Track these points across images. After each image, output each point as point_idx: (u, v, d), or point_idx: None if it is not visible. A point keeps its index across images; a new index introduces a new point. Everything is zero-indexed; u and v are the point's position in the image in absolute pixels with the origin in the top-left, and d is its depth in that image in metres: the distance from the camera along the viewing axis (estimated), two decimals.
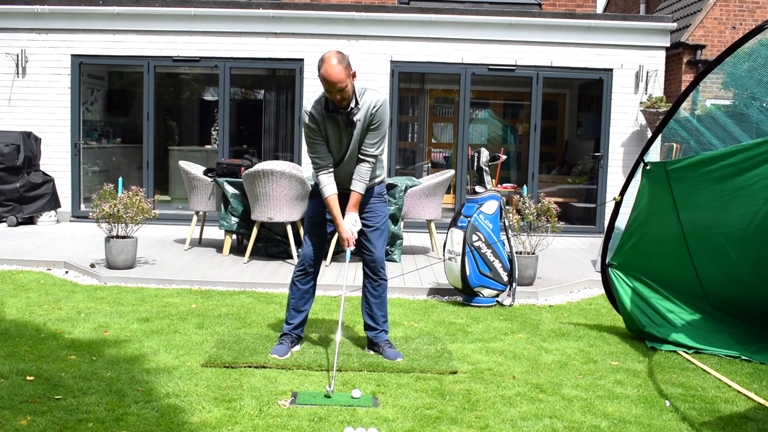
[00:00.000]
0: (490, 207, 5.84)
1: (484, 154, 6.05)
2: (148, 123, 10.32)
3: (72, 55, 10.19)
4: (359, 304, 4.62)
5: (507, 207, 6.34)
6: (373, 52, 10.25)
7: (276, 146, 11.41)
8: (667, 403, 3.80)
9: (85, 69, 10.49)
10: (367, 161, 4.21)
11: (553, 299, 6.31)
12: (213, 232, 9.00)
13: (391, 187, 7.39)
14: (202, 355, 4.28)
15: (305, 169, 8.66)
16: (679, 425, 3.51)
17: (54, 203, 9.91)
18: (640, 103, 10.25)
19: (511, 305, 5.95)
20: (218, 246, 8.10)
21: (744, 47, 4.25)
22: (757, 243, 4.72)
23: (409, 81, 11.80)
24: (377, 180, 4.41)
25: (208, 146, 12.84)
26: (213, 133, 13.38)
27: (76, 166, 10.33)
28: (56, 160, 10.22)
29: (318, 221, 4.37)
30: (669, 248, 5.03)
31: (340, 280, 6.48)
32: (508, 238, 6.03)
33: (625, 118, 10.44)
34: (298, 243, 7.19)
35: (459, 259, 5.82)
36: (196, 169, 8.01)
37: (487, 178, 6.02)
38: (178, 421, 3.32)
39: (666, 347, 4.78)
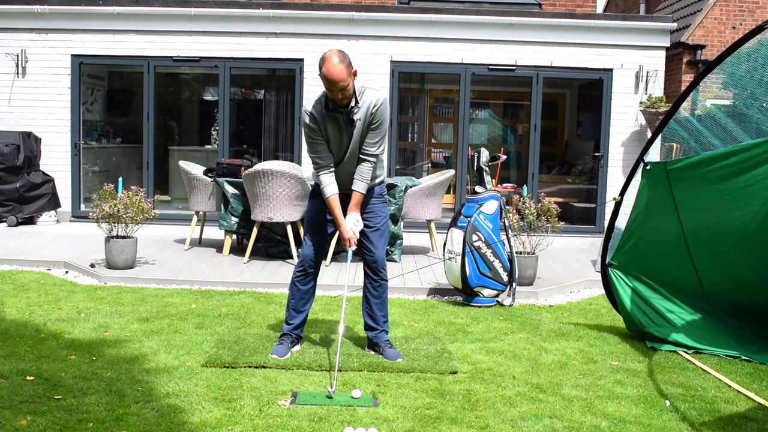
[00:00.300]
0: (490, 207, 5.84)
1: (484, 154, 6.05)
2: (148, 123, 10.32)
3: (72, 55, 10.19)
4: (359, 304, 4.62)
5: (507, 207, 6.34)
6: (373, 52, 10.25)
7: (276, 146, 11.41)
8: (667, 403, 3.80)
9: (85, 69, 10.49)
10: (369, 161, 4.20)
11: (553, 299, 6.31)
12: (213, 232, 9.00)
13: (391, 187, 7.39)
14: (202, 355, 4.28)
15: (305, 169, 8.66)
16: (679, 425, 3.51)
17: (54, 203, 9.91)
18: (640, 103, 10.25)
19: (511, 305, 5.95)
20: (218, 246, 8.10)
21: (744, 47, 4.25)
22: (757, 243, 4.72)
23: (409, 81, 11.80)
24: (377, 180, 4.40)
25: (208, 146, 12.85)
26: (213, 133, 13.38)
27: (76, 166, 10.33)
28: (56, 160, 10.22)
29: (318, 221, 4.37)
30: (669, 248, 5.02)
31: (340, 280, 6.48)
32: (508, 238, 6.03)
33: (625, 118, 10.44)
34: (298, 243, 7.19)
35: (459, 259, 5.82)
36: (196, 169, 8.01)
37: (487, 178, 6.02)
38: (178, 421, 3.32)
39: (666, 347, 4.78)
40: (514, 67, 10.37)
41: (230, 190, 7.47)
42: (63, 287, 6.11)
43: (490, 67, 10.35)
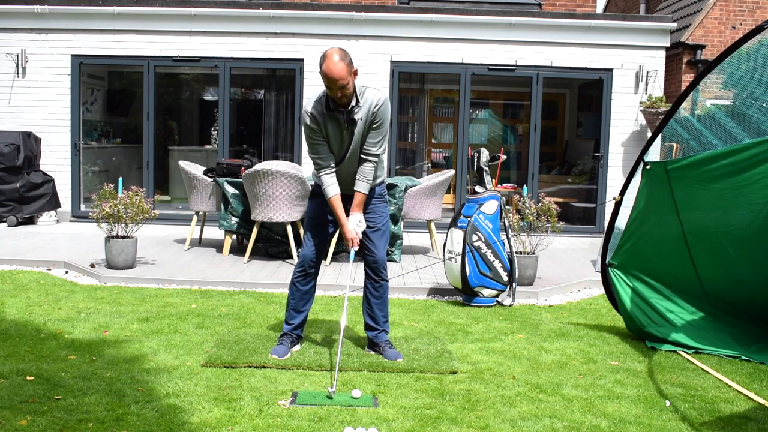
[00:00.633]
0: (490, 207, 5.84)
1: (484, 154, 6.05)
2: (148, 123, 10.32)
3: (72, 55, 10.19)
4: (359, 304, 4.62)
5: (507, 207, 6.34)
6: (373, 52, 10.25)
7: (276, 146, 11.41)
8: (667, 403, 3.80)
9: (85, 69, 10.49)
10: (370, 161, 4.20)
11: (553, 299, 6.31)
12: (213, 232, 9.00)
13: (391, 187, 7.39)
14: (202, 355, 4.28)
15: (305, 169, 8.66)
16: (679, 425, 3.51)
17: (54, 203, 9.91)
18: (640, 103, 10.25)
19: (511, 305, 5.95)
20: (218, 246, 8.10)
21: (744, 47, 4.25)
22: (757, 242, 4.72)
23: (409, 81, 11.79)
24: (378, 180, 4.40)
25: (208, 146, 12.84)
26: (213, 133, 13.38)
27: (76, 166, 10.33)
28: (56, 160, 10.22)
29: (319, 222, 4.36)
30: (669, 248, 5.02)
31: (340, 280, 6.48)
32: (508, 238, 6.03)
33: (625, 118, 10.44)
34: (298, 243, 7.19)
35: (459, 259, 5.82)
36: (196, 169, 8.01)
37: (487, 178, 6.02)
38: (178, 421, 3.32)
39: (666, 347, 4.78)
40: (514, 67, 10.37)
41: (230, 190, 7.47)
42: (63, 287, 6.11)
43: (490, 67, 10.35)
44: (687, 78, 11.21)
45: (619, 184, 9.84)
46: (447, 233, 6.03)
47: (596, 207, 10.50)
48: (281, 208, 7.04)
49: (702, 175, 4.62)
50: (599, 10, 16.91)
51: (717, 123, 4.78)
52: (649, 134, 9.87)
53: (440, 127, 13.95)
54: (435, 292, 6.31)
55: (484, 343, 4.82)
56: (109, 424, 3.25)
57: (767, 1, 11.56)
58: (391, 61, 10.30)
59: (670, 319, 5.06)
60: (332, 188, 4.18)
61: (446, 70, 10.58)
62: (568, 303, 6.19)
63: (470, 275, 5.79)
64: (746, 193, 4.53)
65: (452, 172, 8.40)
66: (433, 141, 13.48)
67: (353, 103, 4.04)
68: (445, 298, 6.22)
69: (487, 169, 6.04)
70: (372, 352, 4.44)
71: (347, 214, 4.24)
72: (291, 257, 7.36)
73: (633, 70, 10.37)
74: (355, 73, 4.00)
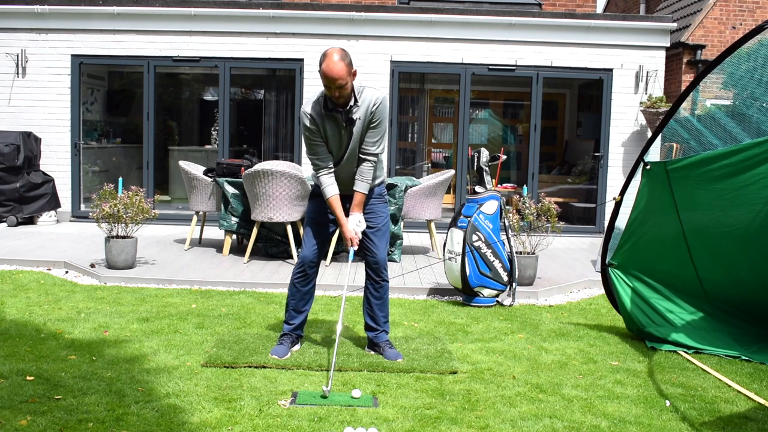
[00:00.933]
0: (490, 207, 5.84)
1: (484, 154, 6.05)
2: (148, 123, 10.33)
3: (72, 55, 10.19)
4: (359, 304, 4.62)
5: (507, 207, 6.34)
6: (373, 52, 10.25)
7: (276, 146, 11.41)
8: (667, 403, 3.80)
9: (85, 69, 10.49)
10: (369, 160, 4.19)
11: (553, 299, 6.31)
12: (213, 232, 9.00)
13: (391, 187, 7.40)
14: (202, 355, 4.28)
15: (305, 169, 8.66)
16: (679, 425, 3.51)
17: (54, 203, 9.91)
18: (640, 103, 10.25)
19: (511, 305, 5.95)
20: (218, 246, 8.10)
21: (744, 47, 4.25)
22: (757, 242, 4.72)
23: (409, 81, 11.79)
24: (378, 181, 4.40)
25: (208, 146, 12.84)
26: (213, 133, 13.38)
27: (76, 166, 10.33)
28: (56, 160, 10.22)
29: (319, 222, 4.36)
30: (669, 248, 5.02)
31: (340, 280, 6.48)
32: (508, 238, 6.03)
33: (625, 118, 10.44)
34: (298, 243, 7.19)
35: (459, 259, 5.82)
36: (196, 169, 8.01)
37: (487, 178, 6.02)
38: (178, 421, 3.32)
39: (666, 347, 4.78)
40: (514, 67, 10.37)
41: (230, 190, 7.47)
42: (63, 287, 6.11)
43: (490, 67, 10.35)
44: (687, 78, 11.21)
45: (619, 184, 9.84)
46: (447, 233, 6.03)
47: (596, 207, 10.50)
48: (281, 208, 7.04)
49: (702, 176, 4.62)
50: (599, 10, 16.91)
51: (717, 123, 4.78)
52: (649, 134, 9.87)
53: (440, 127, 13.95)
54: (435, 292, 6.31)
55: (484, 343, 4.82)
56: (109, 424, 3.25)
57: (767, 1, 11.56)
58: (391, 61, 10.30)
59: (670, 319, 5.06)
60: (331, 188, 4.18)
61: (446, 70, 10.58)
62: (568, 303, 6.19)
63: (470, 275, 5.79)
64: (746, 193, 4.53)
65: (452, 172, 8.40)
66: (433, 141, 13.48)
67: (351, 102, 4.05)
68: (445, 298, 6.22)
69: (487, 169, 6.04)
70: (372, 352, 4.44)
71: (347, 215, 4.24)
72: (291, 257, 7.36)
73: (633, 70, 10.37)
74: (354, 74, 4.01)
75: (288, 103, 11.07)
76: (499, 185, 10.05)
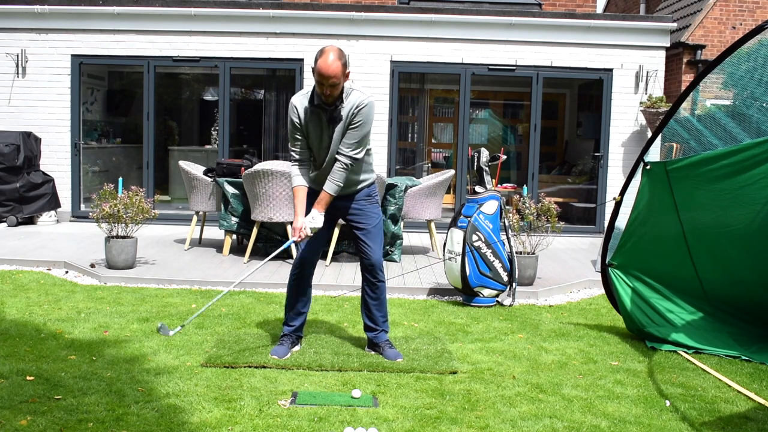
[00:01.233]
0: (490, 207, 5.84)
1: (484, 154, 6.05)
2: (148, 123, 10.33)
3: (72, 55, 10.19)
4: (359, 304, 4.61)
5: (507, 207, 6.34)
6: (373, 52, 10.25)
7: (276, 146, 11.41)
8: (667, 403, 3.80)
9: (85, 69, 10.49)
10: (343, 162, 4.10)
11: (553, 299, 6.31)
12: (213, 232, 9.00)
13: (391, 187, 7.40)
14: (202, 355, 4.28)
15: None
16: (679, 425, 3.51)
17: (54, 203, 9.91)
18: (640, 103, 10.25)
19: (511, 305, 5.95)
20: (218, 246, 8.10)
21: (744, 47, 4.25)
22: (757, 242, 4.72)
23: (409, 81, 11.79)
24: (366, 183, 4.34)
25: (208, 146, 12.84)
26: (213, 133, 13.38)
27: (76, 166, 10.33)
28: (56, 160, 10.22)
29: None
30: (669, 248, 5.02)
31: (340, 280, 6.48)
32: (508, 238, 6.03)
33: (625, 118, 10.44)
34: None
35: (459, 259, 5.82)
36: (196, 169, 8.01)
37: (487, 178, 6.02)
38: (178, 421, 3.32)
39: (666, 347, 4.78)
40: (514, 67, 10.37)
41: (230, 190, 7.47)
42: (63, 287, 6.11)
43: (490, 67, 10.35)
44: (687, 78, 11.20)
45: (619, 184, 9.84)
46: (447, 233, 6.03)
47: (596, 207, 10.50)
48: (281, 208, 7.04)
49: (702, 176, 4.62)
50: (599, 10, 16.91)
51: (717, 123, 4.78)
52: (649, 134, 9.87)
53: (440, 127, 13.95)
54: (435, 292, 6.31)
55: (484, 343, 4.82)
56: (109, 424, 3.25)
57: (767, 1, 11.56)
58: (391, 61, 10.30)
59: (670, 319, 5.06)
60: (297, 179, 4.20)
61: (446, 70, 10.58)
62: (568, 303, 6.19)
63: (470, 275, 5.79)
64: (746, 193, 4.53)
65: (452, 172, 8.41)
66: (433, 141, 13.48)
67: (338, 102, 4.05)
68: (445, 298, 6.22)
69: (487, 169, 6.04)
70: (372, 352, 4.43)
71: (342, 214, 4.23)
72: (291, 257, 7.36)
73: (633, 70, 10.37)
74: (347, 75, 4.02)
75: (288, 103, 11.05)
76: (499, 185, 10.06)
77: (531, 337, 5.01)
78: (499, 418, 3.50)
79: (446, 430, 3.34)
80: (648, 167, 4.85)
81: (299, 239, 4.14)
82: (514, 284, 6.00)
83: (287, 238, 7.35)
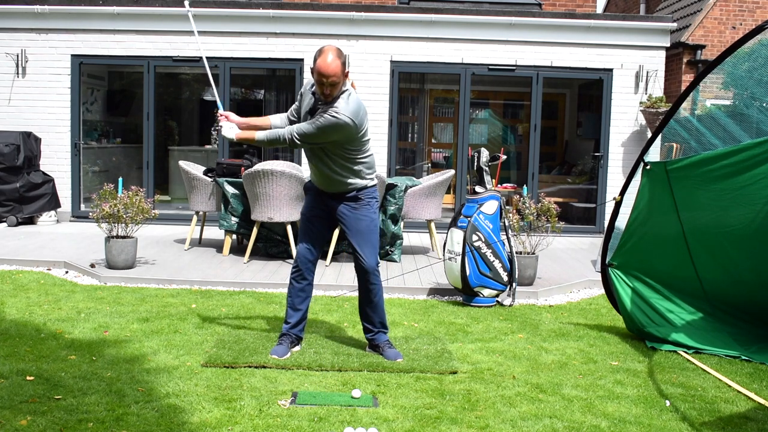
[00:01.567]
0: (490, 207, 5.84)
1: (484, 154, 6.05)
2: (148, 123, 10.32)
3: (72, 55, 10.19)
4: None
5: (507, 207, 6.34)
6: (373, 52, 10.25)
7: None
8: (667, 403, 3.80)
9: (85, 69, 10.49)
10: (288, 131, 4.14)
11: (553, 299, 6.31)
12: (213, 232, 9.00)
13: (391, 187, 7.40)
14: (202, 355, 4.28)
15: (305, 169, 8.65)
16: (679, 425, 3.51)
17: (54, 203, 9.91)
18: (640, 103, 10.25)
19: (511, 305, 5.95)
20: (218, 246, 8.10)
21: (744, 47, 4.25)
22: (757, 242, 4.72)
23: (409, 81, 11.79)
24: (355, 186, 4.28)
25: (208, 146, 12.84)
26: (213, 133, 13.38)
27: (76, 166, 10.33)
28: (56, 160, 10.22)
29: (310, 216, 4.39)
30: (669, 248, 5.02)
31: (340, 280, 6.48)
32: (508, 238, 6.03)
33: (625, 118, 10.44)
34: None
35: (459, 259, 5.82)
36: (196, 169, 8.01)
37: (487, 178, 6.02)
38: (178, 421, 3.32)
39: (666, 347, 4.78)
40: (514, 67, 10.37)
41: (230, 190, 7.47)
42: (63, 287, 6.11)
43: (490, 67, 10.35)
44: (687, 78, 11.20)
45: (619, 184, 9.84)
46: (447, 233, 6.03)
47: (596, 207, 10.50)
48: (281, 208, 7.04)
49: (702, 176, 4.62)
50: (599, 10, 16.91)
51: (717, 123, 4.78)
52: (649, 134, 9.87)
53: (440, 127, 13.95)
54: (435, 292, 6.31)
55: (484, 343, 4.82)
56: (109, 424, 3.25)
57: (767, 1, 11.56)
58: (391, 61, 10.30)
59: (670, 319, 5.06)
60: (274, 116, 4.51)
61: (446, 70, 10.58)
62: (568, 303, 6.19)
63: (470, 275, 5.79)
64: (746, 193, 4.53)
65: (452, 172, 8.40)
66: (433, 141, 13.48)
67: (330, 101, 4.07)
68: (445, 298, 6.22)
69: (487, 169, 6.04)
70: (372, 352, 4.43)
71: (334, 215, 4.34)
72: (291, 257, 7.35)
73: (633, 70, 10.37)
74: (346, 75, 4.04)
75: (288, 102, 11.06)
76: (499, 185, 10.05)
77: (531, 337, 5.01)
78: (499, 418, 3.50)
79: (446, 430, 3.34)
80: (648, 167, 4.85)
81: (220, 117, 4.48)
82: (514, 284, 6.00)
83: (287, 238, 7.36)
